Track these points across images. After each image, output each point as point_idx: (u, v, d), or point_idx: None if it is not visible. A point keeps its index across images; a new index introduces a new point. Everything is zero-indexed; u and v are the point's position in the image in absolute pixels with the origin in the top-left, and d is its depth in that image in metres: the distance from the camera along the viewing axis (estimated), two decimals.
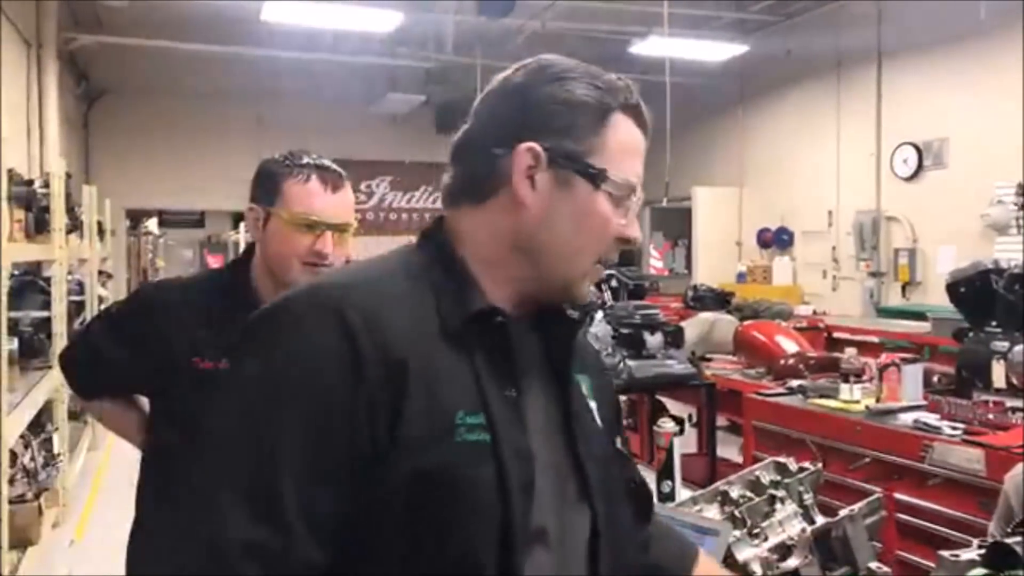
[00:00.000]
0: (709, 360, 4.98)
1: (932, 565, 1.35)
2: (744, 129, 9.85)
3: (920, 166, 7.67)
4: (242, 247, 2.60)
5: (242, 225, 9.08)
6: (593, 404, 0.97)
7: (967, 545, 2.61)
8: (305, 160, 1.56)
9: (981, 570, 1.00)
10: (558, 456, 0.88)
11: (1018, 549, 1.00)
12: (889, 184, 7.99)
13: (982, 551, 1.05)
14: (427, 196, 11.93)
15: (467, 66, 8.96)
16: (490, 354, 0.84)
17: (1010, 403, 3.28)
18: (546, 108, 0.88)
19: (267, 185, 1.55)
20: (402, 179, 11.88)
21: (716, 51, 8.56)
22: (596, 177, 0.87)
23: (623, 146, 0.89)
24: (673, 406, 5.07)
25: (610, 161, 0.88)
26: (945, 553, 1.08)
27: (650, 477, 2.34)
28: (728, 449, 4.73)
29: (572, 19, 8.51)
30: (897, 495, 2.92)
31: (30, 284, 3.80)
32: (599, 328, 2.50)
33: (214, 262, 14.05)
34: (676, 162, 7.84)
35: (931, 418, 3.03)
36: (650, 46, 8.06)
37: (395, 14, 7.26)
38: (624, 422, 5.15)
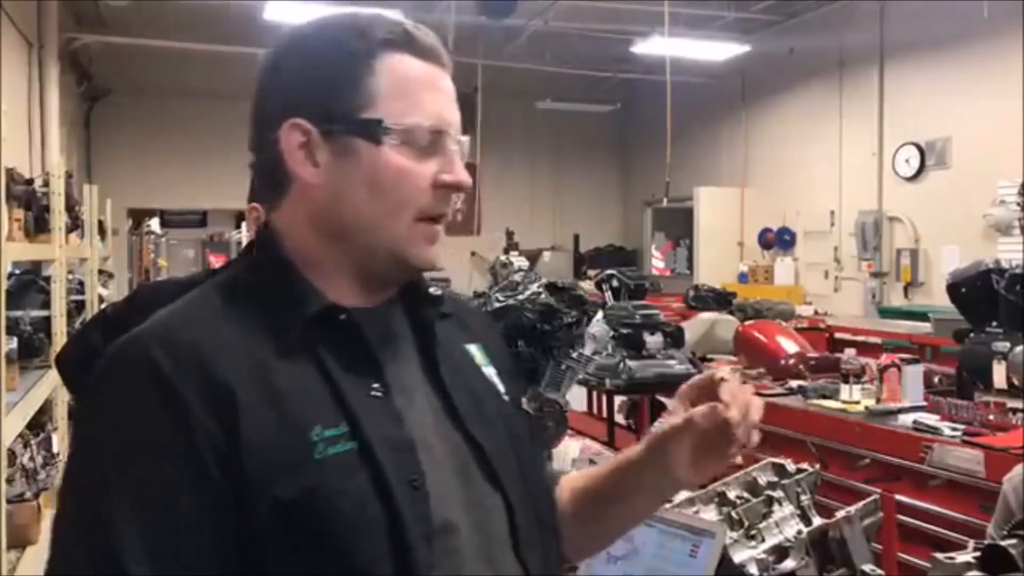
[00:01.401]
0: (710, 361, 4.96)
1: (926, 564, 1.35)
2: (746, 129, 9.83)
3: (923, 166, 7.65)
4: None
5: (243, 224, 9.08)
6: (492, 370, 0.91)
7: (965, 547, 2.59)
8: None
9: (978, 573, 0.99)
10: (454, 442, 0.81)
11: (1014, 552, 0.99)
12: (891, 184, 7.97)
13: (977, 554, 1.05)
14: None
15: (468, 66, 8.96)
16: (344, 355, 0.77)
17: (1011, 404, 3.27)
18: (300, 76, 0.80)
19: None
20: None
21: (718, 51, 8.54)
22: (373, 132, 0.78)
23: (403, 87, 0.79)
24: (671, 407, 5.07)
25: (389, 108, 0.78)
26: (940, 555, 1.07)
27: None
28: None
29: (574, 19, 8.50)
30: (897, 497, 2.91)
31: (30, 283, 3.80)
32: (598, 328, 2.50)
33: (216, 262, 14.04)
34: (678, 162, 7.84)
35: (931, 419, 3.02)
36: (652, 46, 8.05)
37: (395, 14, 7.25)
38: (624, 423, 5.10)
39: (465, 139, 0.83)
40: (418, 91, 0.80)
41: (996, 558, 1.00)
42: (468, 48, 8.98)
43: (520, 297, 2.34)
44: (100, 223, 6.76)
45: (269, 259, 0.82)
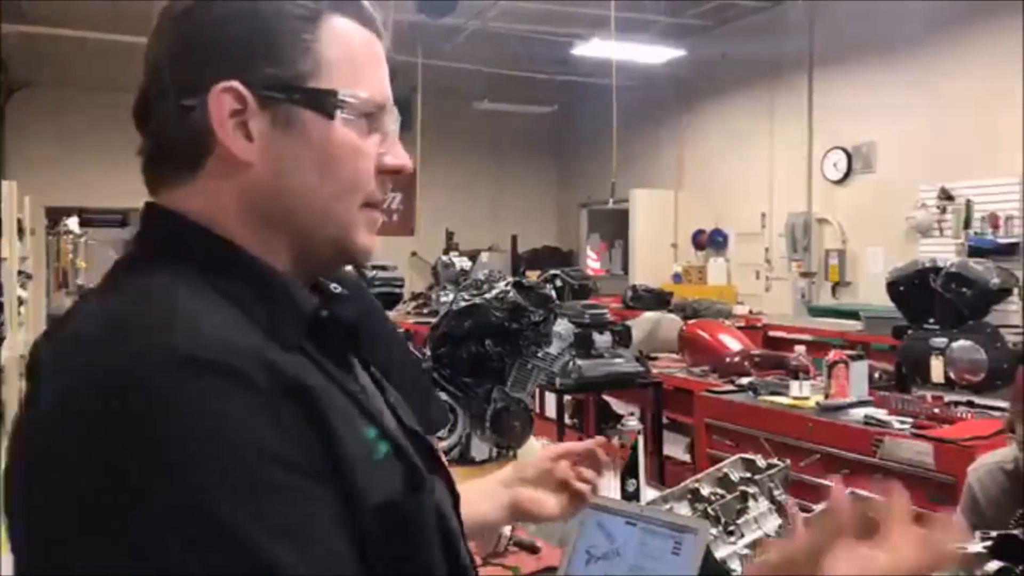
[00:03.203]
0: (655, 359, 5.02)
1: None
2: (681, 132, 10.01)
3: (849, 170, 7.91)
4: None
5: None
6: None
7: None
8: None
9: (997, 563, 1.01)
10: (403, 439, 0.76)
11: None
12: (820, 187, 8.22)
13: (987, 543, 1.06)
14: None
15: (407, 65, 8.86)
16: (330, 354, 0.69)
17: (948, 397, 3.40)
18: (235, 32, 0.67)
19: None
20: None
21: (655, 55, 8.67)
22: (326, 103, 0.68)
23: (352, 55, 0.70)
24: (617, 406, 5.11)
25: (340, 78, 0.69)
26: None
27: (610, 475, 2.33)
28: (671, 448, 4.78)
29: (513, 20, 8.51)
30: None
31: None
32: (563, 327, 2.49)
33: None
34: (615, 164, 7.93)
35: (880, 413, 3.11)
36: (592, 48, 8.12)
37: None
38: (569, 422, 5.12)
39: (396, 115, 0.75)
40: (364, 62, 0.72)
41: (1008, 547, 1.03)
42: (406, 47, 8.90)
43: (488, 296, 2.31)
44: (19, 222, 6.44)
45: (211, 251, 0.68)
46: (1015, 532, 1.02)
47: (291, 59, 0.68)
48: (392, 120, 0.74)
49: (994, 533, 1.05)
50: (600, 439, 1.25)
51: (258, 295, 0.66)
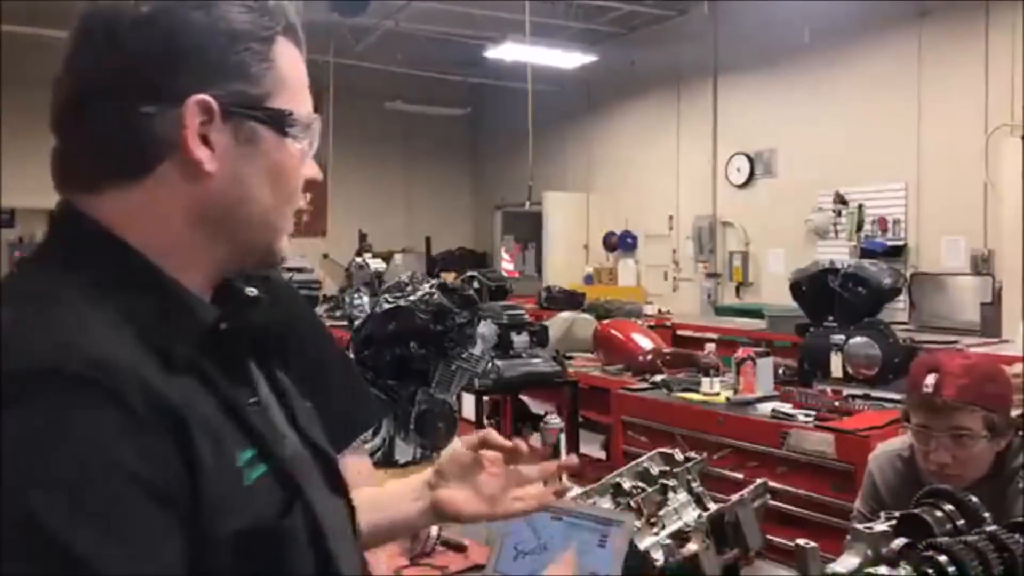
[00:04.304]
0: (570, 359, 5.10)
1: (791, 544, 1.48)
2: (591, 136, 10.19)
3: (752, 175, 8.24)
4: None
5: None
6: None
7: (826, 524, 2.81)
8: None
9: (902, 539, 1.09)
10: (303, 453, 0.78)
11: (928, 518, 1.10)
12: (724, 191, 8.53)
13: (892, 523, 1.15)
14: None
15: (319, 64, 8.72)
16: (223, 365, 0.70)
17: (846, 391, 3.59)
18: (205, 45, 0.69)
19: None
20: None
21: (567, 59, 8.81)
22: (284, 122, 0.73)
23: (296, 76, 0.76)
24: (534, 405, 5.17)
25: (290, 98, 0.74)
26: (858, 526, 1.17)
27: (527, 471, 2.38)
28: (588, 446, 4.87)
29: (426, 21, 8.49)
30: (763, 480, 3.12)
31: None
32: (486, 328, 2.52)
33: None
34: (528, 167, 8.03)
35: (785, 407, 3.26)
36: (505, 51, 8.18)
37: None
38: (487, 422, 5.12)
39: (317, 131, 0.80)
40: (303, 82, 0.77)
41: (911, 525, 1.11)
42: (319, 46, 8.76)
43: (412, 298, 2.31)
44: None
45: (110, 259, 0.68)
46: (916, 511, 1.12)
47: (257, 78, 0.72)
48: (316, 134, 0.78)
49: (898, 513, 1.14)
50: (518, 441, 1.26)
51: (153, 311, 0.67)
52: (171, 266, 0.71)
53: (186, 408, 0.63)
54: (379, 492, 1.13)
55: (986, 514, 1.07)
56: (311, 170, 0.78)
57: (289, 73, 0.74)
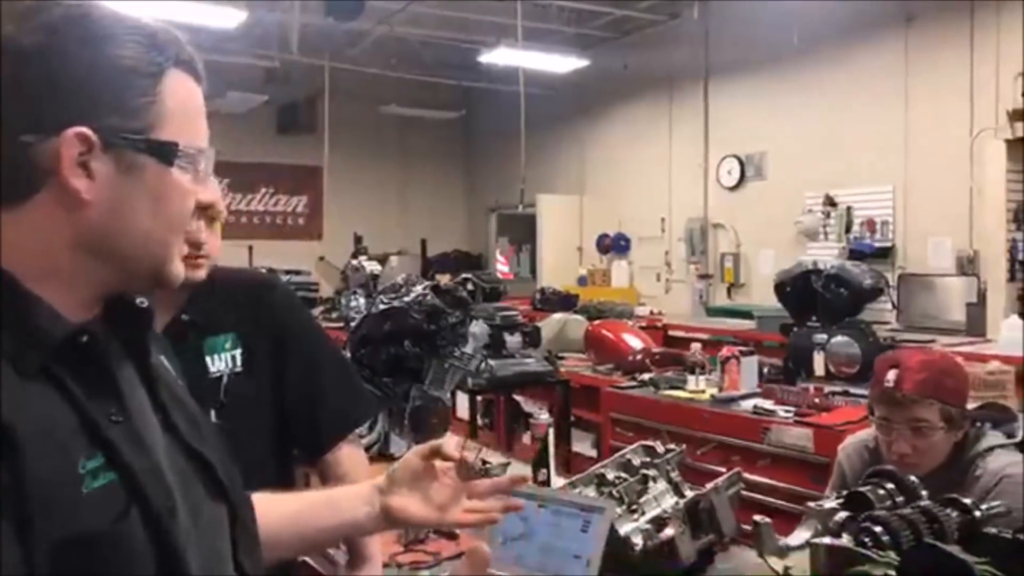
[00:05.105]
0: (562, 359, 5.21)
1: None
2: (584, 139, 10.30)
3: (743, 177, 8.34)
4: None
5: None
6: (181, 382, 0.92)
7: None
8: None
9: (844, 513, 1.19)
10: (179, 463, 0.80)
11: (870, 495, 1.21)
12: (715, 193, 8.64)
13: (841, 500, 1.26)
14: (268, 198, 11.56)
15: (314, 68, 8.83)
16: (84, 378, 0.72)
17: (827, 388, 3.71)
18: (88, 79, 0.72)
19: None
20: (240, 181, 11.47)
21: (560, 64, 8.92)
22: (167, 153, 0.77)
23: (185, 108, 0.79)
24: (526, 404, 5.27)
25: (176, 129, 0.77)
26: (812, 504, 1.28)
27: (519, 468, 2.48)
28: (579, 445, 4.97)
29: (421, 25, 8.59)
30: (736, 470, 3.23)
31: None
32: (478, 328, 2.62)
33: None
34: (524, 170, 8.13)
35: (767, 404, 3.38)
36: (499, 56, 8.29)
37: (238, 12, 7.06)
38: (481, 422, 5.24)
39: (211, 154, 0.83)
40: (195, 112, 0.81)
41: (856, 502, 1.22)
42: (313, 49, 8.87)
43: (407, 299, 2.42)
44: None
45: None
46: (861, 489, 1.22)
47: (136, 111, 0.75)
48: (208, 161, 0.82)
49: (845, 492, 1.25)
50: (457, 438, 1.36)
51: (10, 321, 0.70)
52: (47, 288, 0.73)
53: (16, 414, 0.65)
54: (331, 494, 1.18)
55: (923, 491, 1.18)
56: (207, 195, 0.84)
57: (176, 105, 0.77)
